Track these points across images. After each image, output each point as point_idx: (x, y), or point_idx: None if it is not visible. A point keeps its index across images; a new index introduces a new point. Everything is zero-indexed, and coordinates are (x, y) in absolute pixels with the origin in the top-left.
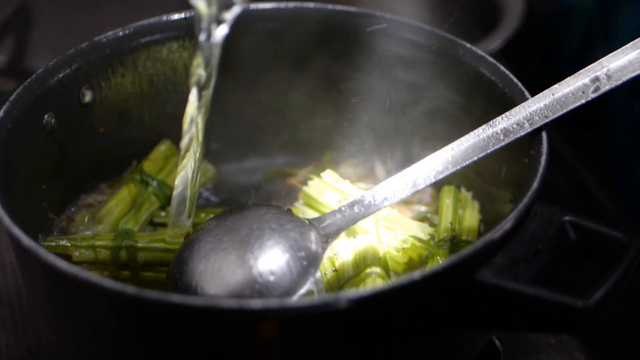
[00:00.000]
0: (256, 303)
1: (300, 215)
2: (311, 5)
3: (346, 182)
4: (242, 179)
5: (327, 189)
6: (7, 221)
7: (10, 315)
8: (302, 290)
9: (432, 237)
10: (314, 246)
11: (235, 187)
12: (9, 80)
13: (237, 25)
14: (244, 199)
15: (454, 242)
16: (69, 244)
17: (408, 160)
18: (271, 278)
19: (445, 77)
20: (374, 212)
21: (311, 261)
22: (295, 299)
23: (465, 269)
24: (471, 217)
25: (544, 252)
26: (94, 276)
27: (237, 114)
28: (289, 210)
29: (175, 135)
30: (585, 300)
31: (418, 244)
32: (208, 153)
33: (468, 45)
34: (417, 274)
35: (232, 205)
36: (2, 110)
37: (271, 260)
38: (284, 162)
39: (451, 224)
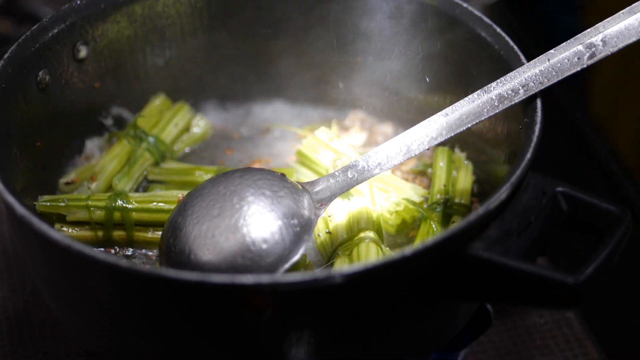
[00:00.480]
0: (248, 278)
1: (295, 174)
2: None
3: (341, 141)
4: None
5: (321, 148)
6: (1, 188)
7: (5, 266)
8: (296, 257)
9: (425, 198)
10: (307, 212)
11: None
12: (5, 20)
13: None
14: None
15: (447, 204)
16: (63, 204)
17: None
18: (264, 246)
19: (442, 36)
20: (368, 179)
21: (304, 228)
22: (287, 267)
23: (457, 243)
24: (464, 178)
25: (536, 224)
26: (87, 248)
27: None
28: (283, 175)
29: (170, 89)
30: (576, 276)
31: (411, 206)
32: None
33: (465, 4)
34: (408, 250)
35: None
36: None
37: (264, 228)
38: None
39: (444, 186)
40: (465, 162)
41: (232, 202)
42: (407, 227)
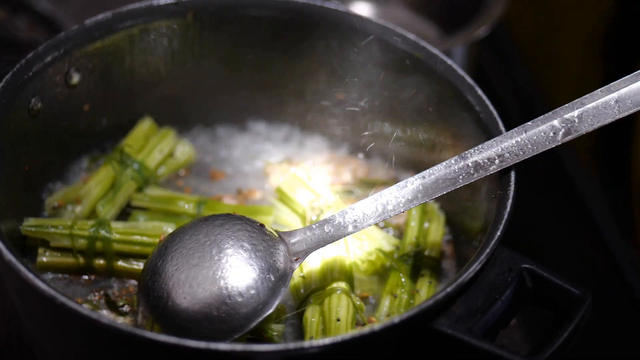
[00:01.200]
0: (223, 346)
1: (274, 211)
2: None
3: (319, 181)
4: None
5: (300, 187)
6: None
7: None
8: (271, 310)
9: (397, 247)
10: (283, 266)
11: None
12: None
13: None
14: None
15: (417, 257)
16: (47, 230)
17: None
18: (239, 299)
19: (425, 89)
20: (343, 236)
21: (280, 281)
22: (262, 319)
23: (423, 319)
24: (436, 231)
25: (501, 303)
26: (70, 302)
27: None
28: (262, 226)
29: (157, 113)
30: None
31: (383, 256)
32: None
33: (449, 61)
34: (377, 326)
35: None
36: None
37: (240, 282)
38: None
39: (415, 238)
40: (438, 212)
41: (212, 253)
42: (377, 273)
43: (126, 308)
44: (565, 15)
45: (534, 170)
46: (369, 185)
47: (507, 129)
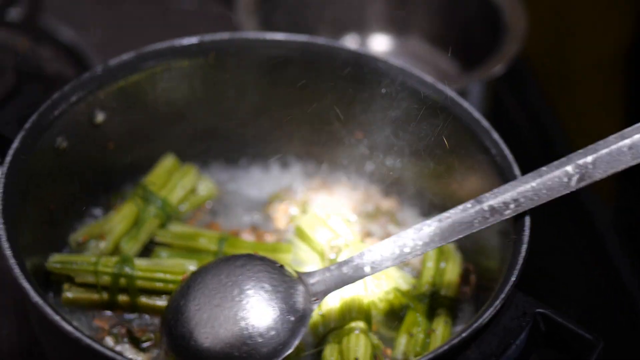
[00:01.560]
0: None
1: (293, 249)
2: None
3: (338, 219)
4: (243, 196)
5: (319, 225)
6: (17, 273)
7: (11, 301)
8: (290, 350)
9: (414, 286)
10: (302, 307)
11: (235, 204)
12: (22, 38)
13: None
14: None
15: (434, 297)
16: (72, 266)
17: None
18: (260, 340)
19: (440, 130)
20: (361, 278)
21: (299, 322)
22: (282, 358)
23: None
24: (452, 271)
25: (515, 347)
26: (95, 344)
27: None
28: (282, 267)
29: (180, 150)
30: None
31: (400, 295)
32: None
33: (466, 104)
34: None
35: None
36: (18, 140)
37: (261, 323)
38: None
39: (432, 277)
40: (455, 252)
41: (233, 294)
42: (395, 312)
43: (148, 344)
44: (583, 45)
45: (552, 209)
46: (372, 216)
47: (527, 165)
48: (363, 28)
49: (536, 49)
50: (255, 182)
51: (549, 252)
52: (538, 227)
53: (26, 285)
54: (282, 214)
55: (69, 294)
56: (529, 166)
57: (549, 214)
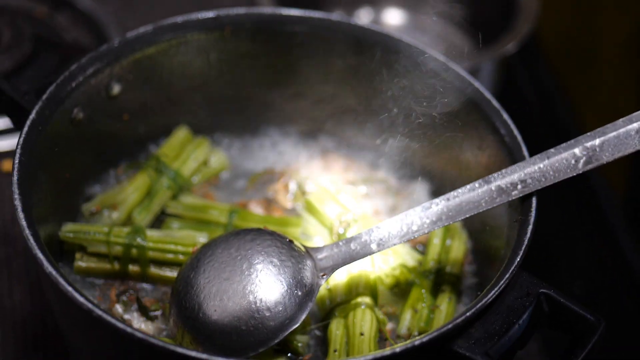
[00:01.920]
0: None
1: (302, 223)
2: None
3: (347, 194)
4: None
5: (328, 200)
6: (32, 243)
7: (24, 269)
8: (297, 324)
9: (420, 263)
10: (310, 281)
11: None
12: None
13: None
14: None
15: (439, 273)
16: (85, 236)
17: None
18: (267, 314)
19: (451, 109)
20: (369, 254)
21: (307, 296)
22: (288, 332)
23: (442, 341)
24: (457, 248)
25: (518, 326)
26: (107, 315)
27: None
28: (291, 242)
29: (193, 122)
30: None
31: (406, 271)
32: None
33: (477, 83)
34: (397, 348)
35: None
36: (35, 111)
37: (269, 297)
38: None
39: (438, 254)
40: (461, 230)
41: (242, 268)
42: (400, 286)
43: (156, 313)
44: (598, 25)
45: (559, 190)
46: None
47: (537, 144)
48: (377, 2)
49: (549, 28)
50: (264, 156)
51: (555, 233)
52: (545, 208)
53: (40, 256)
54: (283, 190)
55: (81, 263)
56: (538, 145)
57: (556, 196)
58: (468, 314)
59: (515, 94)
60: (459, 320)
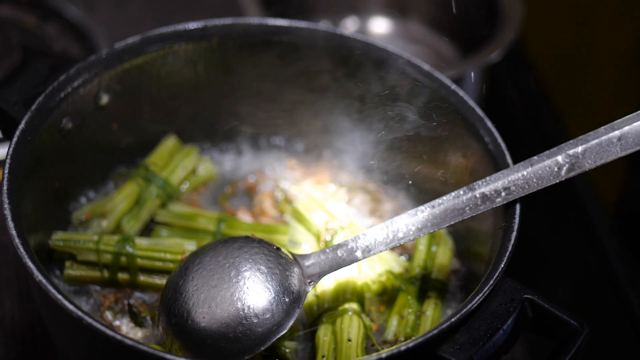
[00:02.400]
0: None
1: (290, 231)
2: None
3: (335, 201)
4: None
5: (315, 208)
6: (22, 252)
7: (14, 275)
8: (284, 330)
9: (406, 269)
10: (297, 289)
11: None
12: (30, 16)
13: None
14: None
15: (425, 279)
16: (75, 244)
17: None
18: (255, 320)
19: (435, 119)
20: (355, 261)
21: (294, 303)
22: (276, 338)
23: (427, 347)
24: (443, 255)
25: (502, 331)
26: (96, 322)
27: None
28: (278, 250)
29: (181, 131)
30: None
31: (392, 278)
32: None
33: (461, 92)
34: (384, 354)
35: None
36: (24, 121)
37: (257, 304)
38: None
39: (423, 261)
40: (446, 236)
41: (230, 275)
42: (387, 292)
43: (146, 320)
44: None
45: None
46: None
47: (522, 152)
48: (363, 11)
49: (535, 36)
50: (250, 165)
51: (540, 239)
52: (530, 214)
53: (30, 264)
54: (268, 199)
55: (71, 271)
56: (523, 153)
57: (541, 202)
58: (453, 319)
59: (501, 101)
60: (444, 326)
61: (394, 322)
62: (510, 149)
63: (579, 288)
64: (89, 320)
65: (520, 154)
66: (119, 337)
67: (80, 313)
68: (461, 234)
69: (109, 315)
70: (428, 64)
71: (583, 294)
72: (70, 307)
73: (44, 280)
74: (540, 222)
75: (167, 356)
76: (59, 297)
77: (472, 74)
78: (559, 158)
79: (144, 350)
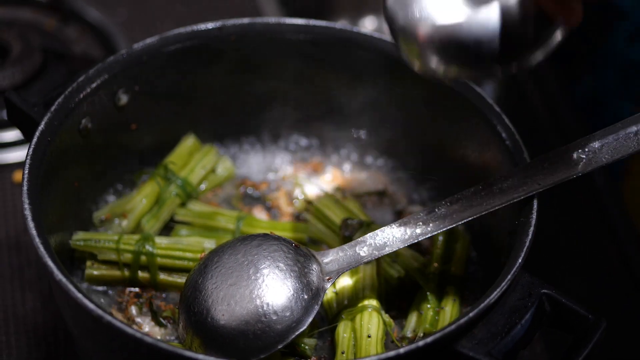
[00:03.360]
0: None
1: (308, 228)
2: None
3: (353, 199)
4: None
5: (334, 205)
6: (42, 252)
7: (36, 276)
8: (304, 327)
9: (424, 265)
10: (316, 286)
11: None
12: (50, 18)
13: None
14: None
15: (443, 275)
16: (95, 244)
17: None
18: (274, 317)
19: (453, 116)
20: (374, 258)
21: (313, 300)
22: (296, 335)
23: (446, 342)
24: (461, 251)
25: (520, 326)
26: (116, 321)
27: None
28: (297, 247)
29: (200, 131)
30: None
31: (411, 274)
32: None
33: (478, 89)
34: (402, 350)
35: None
36: (43, 122)
37: (275, 301)
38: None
39: (442, 257)
40: (464, 232)
41: (249, 273)
42: (405, 289)
43: (167, 319)
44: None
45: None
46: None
47: (541, 147)
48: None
49: None
50: (269, 163)
51: (558, 235)
52: (548, 209)
53: (50, 263)
54: (285, 199)
55: (92, 270)
56: (542, 149)
57: (559, 197)
58: (471, 315)
59: (520, 98)
60: (462, 322)
61: (412, 318)
62: (531, 144)
63: (598, 283)
64: (109, 318)
65: (541, 150)
66: (139, 334)
67: (100, 312)
68: (479, 230)
69: (133, 311)
70: None
71: (603, 289)
72: (91, 305)
73: (63, 279)
74: (560, 219)
75: (187, 354)
76: (79, 295)
77: None
78: (576, 153)
79: (164, 348)
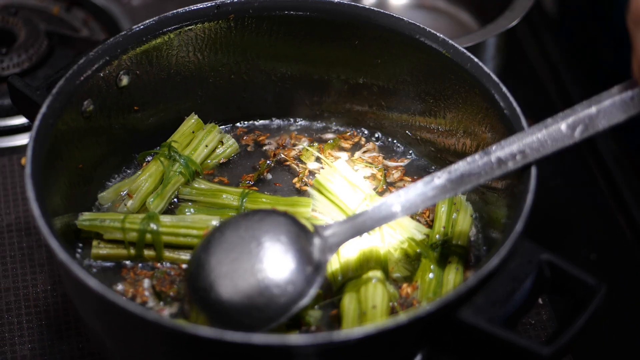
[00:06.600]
0: (259, 338)
1: (311, 203)
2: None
3: (357, 174)
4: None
5: (337, 179)
6: (45, 232)
7: (46, 259)
8: (307, 299)
9: (427, 236)
10: (318, 258)
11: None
12: (55, 2)
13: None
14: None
15: (446, 245)
16: (101, 224)
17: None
18: (276, 290)
19: (452, 85)
20: (375, 227)
21: (315, 272)
22: (300, 307)
23: (447, 310)
24: (463, 221)
25: (520, 292)
26: (119, 299)
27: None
28: (298, 221)
29: (203, 110)
30: (550, 347)
31: (414, 244)
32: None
33: (476, 59)
34: (403, 317)
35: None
36: (45, 105)
37: (278, 274)
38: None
39: (444, 227)
40: (465, 203)
41: (250, 247)
42: (409, 258)
43: (172, 296)
44: None
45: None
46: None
47: (544, 116)
48: None
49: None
50: (269, 141)
51: (564, 203)
52: (552, 178)
53: (53, 242)
54: (288, 175)
55: (98, 249)
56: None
57: (563, 166)
58: (470, 282)
59: (521, 67)
60: (462, 289)
61: (416, 288)
62: (537, 114)
63: (605, 250)
64: (112, 296)
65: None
66: (141, 311)
67: (103, 290)
68: (480, 199)
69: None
70: (447, 34)
71: (610, 255)
72: (93, 283)
73: (65, 258)
74: (565, 189)
75: (191, 329)
76: (81, 274)
77: (493, 40)
78: (573, 119)
79: (167, 323)
